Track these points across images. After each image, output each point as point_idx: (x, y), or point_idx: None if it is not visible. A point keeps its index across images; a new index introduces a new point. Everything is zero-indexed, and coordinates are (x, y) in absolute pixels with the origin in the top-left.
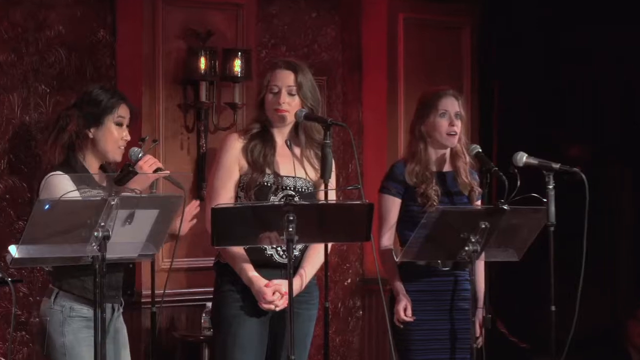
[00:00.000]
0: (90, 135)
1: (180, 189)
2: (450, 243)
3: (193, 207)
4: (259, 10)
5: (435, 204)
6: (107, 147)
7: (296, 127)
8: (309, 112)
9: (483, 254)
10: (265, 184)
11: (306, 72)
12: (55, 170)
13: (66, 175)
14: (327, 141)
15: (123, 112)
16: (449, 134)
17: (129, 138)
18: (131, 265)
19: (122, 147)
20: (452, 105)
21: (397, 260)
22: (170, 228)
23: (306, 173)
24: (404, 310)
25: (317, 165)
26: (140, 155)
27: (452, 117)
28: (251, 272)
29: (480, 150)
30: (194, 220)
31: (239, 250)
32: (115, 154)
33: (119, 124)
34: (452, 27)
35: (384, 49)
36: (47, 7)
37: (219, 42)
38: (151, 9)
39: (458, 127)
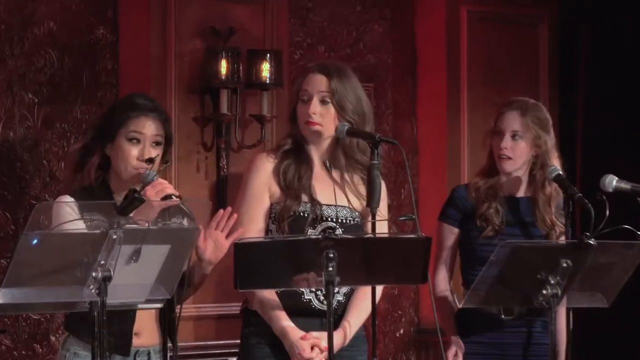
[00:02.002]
0: (107, 153)
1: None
2: (525, 285)
3: (223, 218)
4: (291, 2)
5: (496, 228)
6: (119, 166)
7: (336, 144)
8: (352, 127)
9: (565, 299)
10: (302, 214)
11: (346, 78)
12: (64, 194)
13: (71, 202)
14: (375, 162)
15: (140, 126)
16: (499, 157)
17: (146, 158)
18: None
19: (141, 169)
20: (509, 122)
21: (459, 306)
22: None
23: (349, 201)
24: (454, 357)
25: (363, 192)
26: (152, 178)
27: (505, 137)
28: (285, 322)
29: (560, 172)
30: (234, 237)
31: (269, 294)
32: (128, 176)
33: (133, 140)
34: (526, 21)
35: (443, 49)
36: (35, 0)
37: (243, 41)
38: (161, 2)
39: (512, 149)
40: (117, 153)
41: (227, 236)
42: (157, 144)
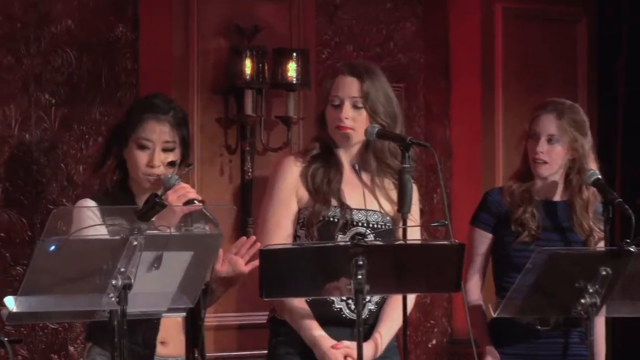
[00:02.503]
0: (124, 156)
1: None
2: (562, 294)
3: (245, 246)
4: (319, 0)
5: (532, 233)
6: (132, 173)
7: (366, 148)
8: (383, 129)
9: (604, 309)
10: (331, 219)
11: (377, 79)
12: (85, 197)
13: (93, 206)
14: (406, 165)
15: (149, 132)
16: (534, 161)
17: (157, 164)
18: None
19: (151, 177)
20: (545, 125)
21: (494, 315)
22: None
23: (380, 205)
24: None
25: (394, 196)
26: (174, 182)
27: (541, 141)
28: (316, 331)
29: (599, 176)
30: (253, 264)
31: (299, 303)
32: (143, 183)
33: (142, 147)
34: (564, 19)
35: (478, 48)
36: None
37: (269, 40)
38: None
39: (548, 153)
40: (129, 159)
41: (247, 263)
42: (168, 150)
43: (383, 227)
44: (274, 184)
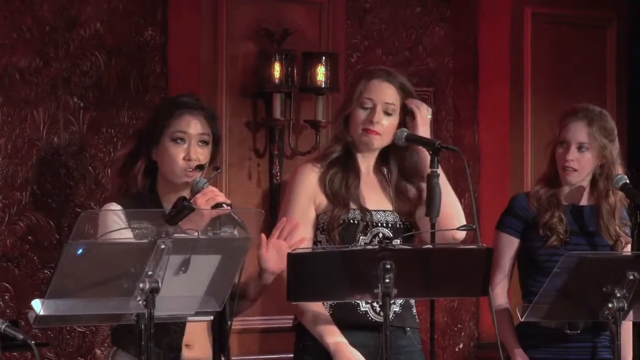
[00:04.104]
0: (154, 157)
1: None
2: (590, 299)
3: (286, 227)
4: (349, 4)
5: (561, 237)
6: (165, 170)
7: (383, 153)
8: (411, 134)
9: (631, 313)
10: (351, 221)
11: (409, 86)
12: (111, 201)
13: (119, 210)
14: (435, 170)
15: (184, 125)
16: (563, 168)
17: (194, 157)
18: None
19: (189, 171)
20: (575, 133)
21: (522, 319)
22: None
23: (396, 206)
24: None
25: (411, 197)
26: (202, 186)
27: (571, 149)
28: (338, 337)
29: (627, 181)
30: (298, 245)
31: (317, 307)
32: (178, 180)
33: (177, 140)
34: (594, 24)
35: (507, 52)
36: (81, 0)
37: (298, 44)
38: (212, 3)
39: (578, 160)
40: (163, 156)
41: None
42: (204, 142)
43: (401, 226)
44: (291, 192)
